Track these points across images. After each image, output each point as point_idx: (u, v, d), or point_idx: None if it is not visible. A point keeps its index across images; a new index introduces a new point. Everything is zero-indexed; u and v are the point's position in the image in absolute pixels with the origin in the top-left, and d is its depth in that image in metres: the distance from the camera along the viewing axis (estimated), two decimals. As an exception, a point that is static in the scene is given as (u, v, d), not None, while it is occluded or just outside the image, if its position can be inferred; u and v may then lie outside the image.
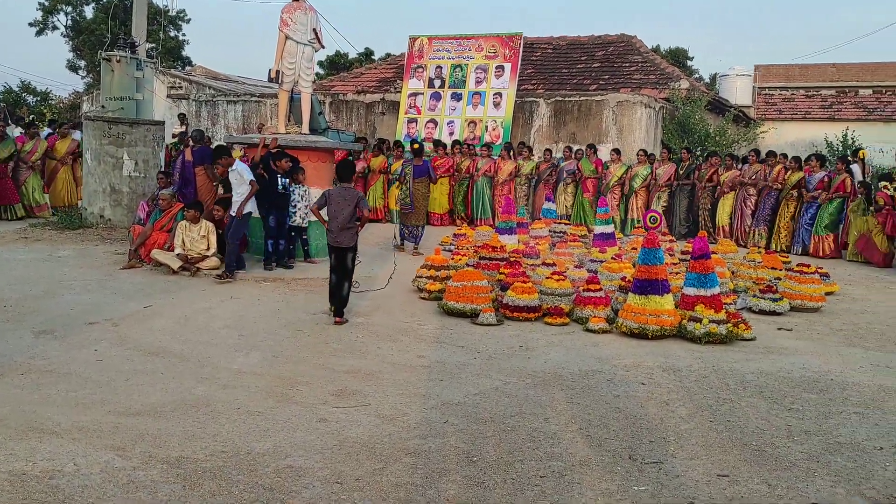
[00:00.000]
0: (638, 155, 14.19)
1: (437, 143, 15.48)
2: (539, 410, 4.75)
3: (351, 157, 11.81)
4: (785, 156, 13.48)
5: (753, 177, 13.05)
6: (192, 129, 15.00)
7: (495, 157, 14.88)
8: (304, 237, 10.10)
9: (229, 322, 6.94)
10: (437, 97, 17.22)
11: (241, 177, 8.83)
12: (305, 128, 10.51)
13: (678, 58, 38.14)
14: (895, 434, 4.41)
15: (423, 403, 4.84)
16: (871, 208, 11.58)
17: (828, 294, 8.59)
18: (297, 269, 9.58)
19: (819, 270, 8.94)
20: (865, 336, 7.00)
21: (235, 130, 18.79)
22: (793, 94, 31.37)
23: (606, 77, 18.91)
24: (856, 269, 11.03)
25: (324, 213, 7.49)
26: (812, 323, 7.53)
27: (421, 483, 3.68)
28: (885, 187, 11.65)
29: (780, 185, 12.74)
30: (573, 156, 14.64)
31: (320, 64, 39.79)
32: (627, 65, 19.40)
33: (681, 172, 13.70)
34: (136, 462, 3.85)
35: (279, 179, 9.37)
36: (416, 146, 11.84)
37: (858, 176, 12.54)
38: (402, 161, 13.19)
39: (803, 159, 12.95)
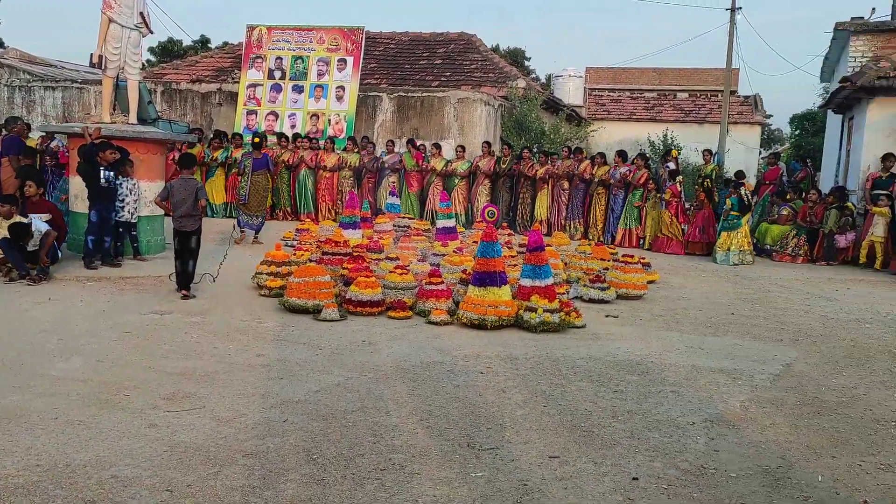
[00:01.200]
0: (457, 150, 14.63)
1: (280, 136, 15.20)
2: (381, 404, 4.76)
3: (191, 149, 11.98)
4: (581, 150, 14.56)
5: (565, 171, 13.85)
6: (6, 116, 13.72)
7: (320, 150, 14.88)
8: (134, 233, 9.53)
9: (47, 326, 6.42)
10: (277, 89, 16.82)
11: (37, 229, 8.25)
12: (133, 117, 9.91)
13: (516, 58, 39.59)
14: (705, 410, 4.81)
15: (262, 403, 4.71)
16: (662, 201, 12.73)
17: (650, 282, 9.23)
18: (126, 267, 9.03)
19: (641, 261, 9.59)
20: (681, 321, 7.59)
21: (55, 119, 17.40)
22: (619, 95, 33.36)
23: (448, 74, 19.25)
24: (675, 259, 11.94)
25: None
26: (636, 310, 8.06)
27: (258, 485, 3.58)
28: (680, 182, 12.81)
29: (587, 178, 13.67)
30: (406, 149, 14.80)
31: (151, 50, 37.67)
32: (468, 63, 19.85)
33: (502, 167, 14.25)
34: (-67, 484, 3.47)
35: (102, 172, 8.76)
36: (256, 139, 12.04)
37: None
38: (232, 152, 13.73)
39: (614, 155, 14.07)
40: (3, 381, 4.97)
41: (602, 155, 14.17)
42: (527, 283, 7.35)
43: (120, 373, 5.23)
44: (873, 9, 36.28)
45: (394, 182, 14.38)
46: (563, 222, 13.83)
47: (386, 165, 14.51)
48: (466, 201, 14.28)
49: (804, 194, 13.23)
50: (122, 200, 9.17)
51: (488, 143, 14.80)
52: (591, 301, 8.28)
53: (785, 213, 12.97)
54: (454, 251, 9.45)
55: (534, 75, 40.68)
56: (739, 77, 33.37)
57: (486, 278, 7.09)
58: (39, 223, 8.34)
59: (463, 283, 7.80)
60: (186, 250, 7.79)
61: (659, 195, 13.00)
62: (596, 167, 13.77)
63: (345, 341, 6.31)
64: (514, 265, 8.59)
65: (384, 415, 4.56)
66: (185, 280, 7.81)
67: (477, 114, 16.21)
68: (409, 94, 16.62)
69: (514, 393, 5.06)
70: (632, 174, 13.32)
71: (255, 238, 11.67)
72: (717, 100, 30.18)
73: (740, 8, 22.92)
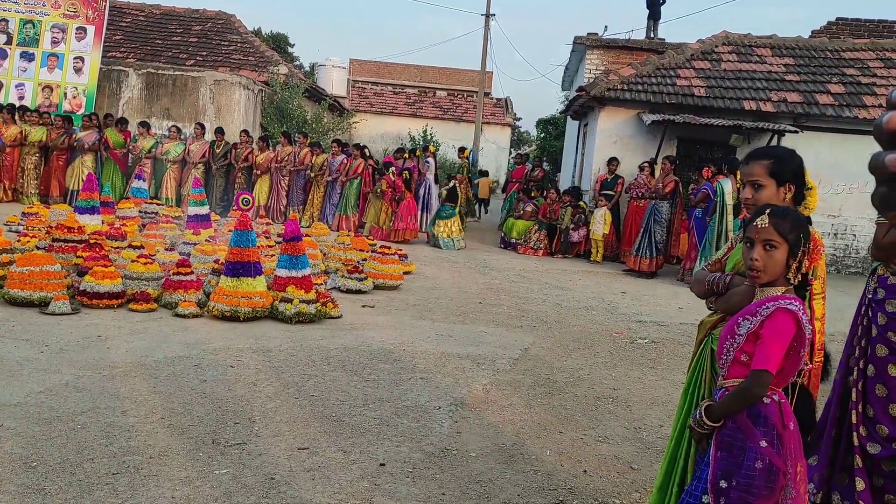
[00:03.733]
0: (170, 130, 14.15)
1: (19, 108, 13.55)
2: (116, 403, 4.39)
3: None
4: (306, 135, 14.76)
5: (286, 159, 13.98)
6: None
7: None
8: None
9: None
10: (2, 55, 14.91)
11: None
12: None
13: (279, 43, 38.68)
14: (451, 394, 5.04)
15: (-30, 408, 4.14)
16: (378, 190, 13.45)
17: (406, 273, 9.50)
18: None
19: (398, 252, 9.84)
20: (434, 309, 7.90)
21: None
22: (382, 89, 33.94)
23: (204, 53, 18.33)
24: (431, 252, 12.41)
25: None
26: (392, 299, 8.24)
27: (-39, 502, 3.14)
28: (392, 173, 13.47)
29: (305, 167, 14.02)
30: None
31: None
32: (226, 44, 19.05)
33: (217, 151, 13.97)
34: None
35: None
36: None
37: (433, 168, 14.13)
38: None
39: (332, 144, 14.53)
40: None
41: (317, 144, 14.51)
42: (283, 273, 7.21)
43: None
44: (606, 26, 40.51)
45: (81, 158, 13.31)
46: (282, 209, 13.94)
47: (84, 142, 13.35)
48: (178, 183, 13.79)
49: (545, 192, 14.43)
50: None
51: (201, 126, 14.29)
52: (349, 291, 8.33)
53: (529, 209, 14.04)
54: (206, 240, 9.01)
55: (297, 62, 40.06)
56: (493, 80, 35.50)
57: (240, 268, 6.84)
58: None
59: (215, 274, 7.46)
60: None
61: (378, 186, 13.53)
62: (314, 156, 14.05)
63: (76, 336, 5.75)
64: (272, 255, 8.39)
65: (119, 415, 4.22)
66: None
67: (235, 97, 15.61)
68: (160, 72, 15.57)
69: (265, 385, 4.94)
70: (349, 164, 13.84)
71: None
72: (473, 100, 31.83)
73: (494, 14, 24.36)
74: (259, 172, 13.85)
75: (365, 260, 9.36)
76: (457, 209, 13.30)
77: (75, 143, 13.23)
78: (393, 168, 13.58)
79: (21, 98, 14.67)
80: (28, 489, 3.29)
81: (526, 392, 5.25)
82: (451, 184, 13.47)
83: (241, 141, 13.98)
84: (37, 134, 13.10)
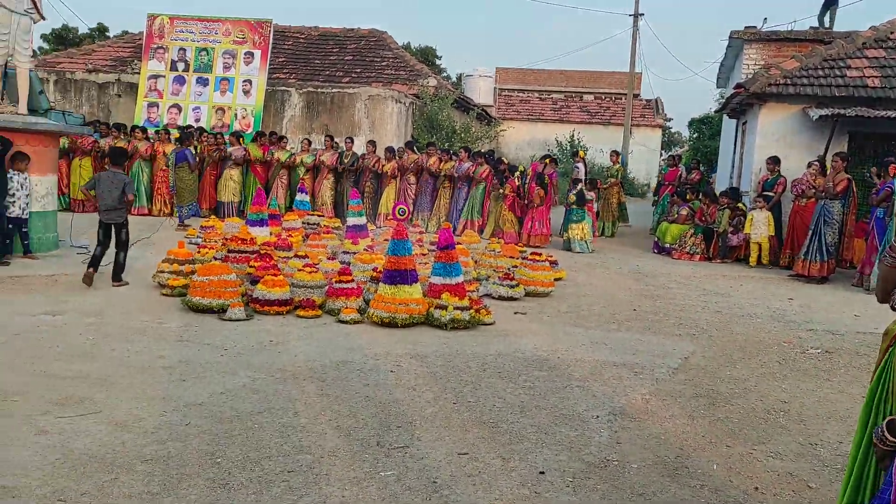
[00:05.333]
0: (302, 143, 14.77)
1: (197, 130, 14.86)
2: (288, 405, 4.67)
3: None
4: (433, 145, 14.91)
5: (412, 165, 14.24)
6: None
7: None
8: (24, 230, 9.01)
9: (-74, 328, 5.99)
10: (180, 81, 16.28)
11: None
12: (23, 107, 9.37)
13: (427, 56, 39.63)
14: (609, 403, 4.95)
15: (163, 406, 4.54)
16: (501, 192, 13.36)
17: (556, 280, 9.42)
18: (14, 266, 8.53)
19: (549, 259, 9.78)
20: (587, 317, 7.78)
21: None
22: (528, 96, 33.90)
23: (358, 70, 19.12)
24: (580, 258, 12.24)
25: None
26: (543, 306, 8.21)
27: (158, 491, 3.45)
28: (517, 176, 13.23)
29: (437, 173, 14.17)
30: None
31: (45, 38, 35.89)
32: (379, 60, 19.77)
33: (346, 160, 14.39)
34: None
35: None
36: (177, 135, 13.34)
37: (583, 173, 13.92)
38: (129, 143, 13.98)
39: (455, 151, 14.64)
40: None
41: (446, 150, 14.70)
42: (437, 280, 7.37)
43: (6, 378, 4.93)
44: (765, 19, 38.27)
45: (230, 172, 14.16)
46: (410, 215, 14.23)
47: (231, 157, 14.24)
48: (311, 192, 14.45)
49: (700, 195, 13.85)
50: (13, 195, 8.67)
51: (331, 137, 14.88)
52: (501, 298, 8.38)
53: (684, 212, 13.52)
54: (364, 249, 9.39)
55: (445, 74, 40.87)
56: (642, 81, 34.51)
57: (397, 276, 7.07)
58: None
59: (373, 282, 7.75)
60: (118, 242, 7.95)
61: (502, 190, 13.43)
62: (442, 162, 14.23)
63: (251, 341, 6.17)
64: (425, 263, 8.60)
65: (291, 415, 4.48)
66: (116, 270, 7.99)
67: (388, 111, 16.17)
68: (319, 90, 16.42)
69: (425, 391, 5.07)
70: (474, 169, 13.91)
71: (181, 224, 12.68)
72: (621, 102, 31.08)
73: (643, 14, 23.73)
74: (387, 180, 14.31)
75: (516, 267, 9.38)
76: (585, 212, 13.27)
77: (231, 157, 14.21)
78: (518, 172, 13.61)
79: (197, 120, 15.95)
80: (214, 483, 3.57)
81: (687, 403, 5.05)
82: (578, 188, 13.31)
83: (367, 151, 14.54)
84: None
